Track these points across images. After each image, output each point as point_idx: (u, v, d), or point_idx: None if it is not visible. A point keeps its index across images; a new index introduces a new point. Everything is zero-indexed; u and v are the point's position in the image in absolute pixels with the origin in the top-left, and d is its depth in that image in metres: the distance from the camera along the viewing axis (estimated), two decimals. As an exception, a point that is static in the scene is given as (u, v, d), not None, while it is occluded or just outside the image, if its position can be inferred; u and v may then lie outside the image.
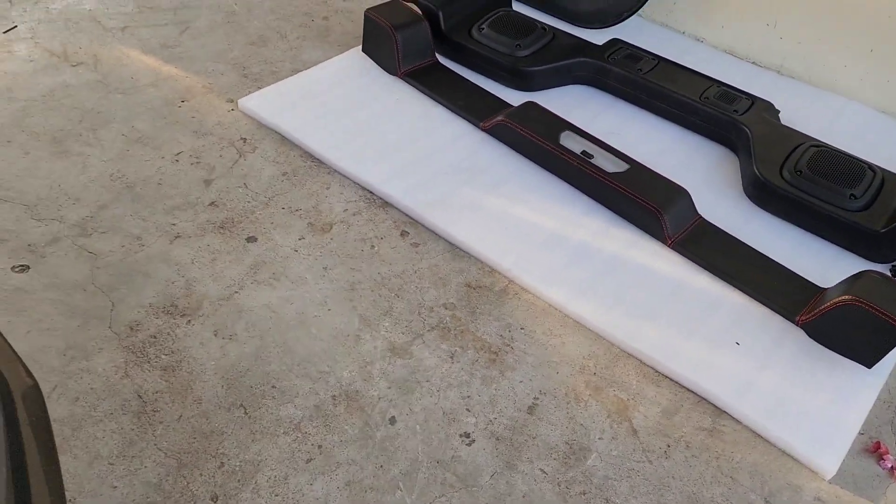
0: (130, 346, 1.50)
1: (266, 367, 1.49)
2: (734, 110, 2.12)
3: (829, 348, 1.63)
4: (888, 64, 2.27)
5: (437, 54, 2.32)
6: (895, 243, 1.80)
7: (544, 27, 2.35)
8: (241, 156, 1.97)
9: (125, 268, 1.65)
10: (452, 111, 2.15)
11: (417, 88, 2.21)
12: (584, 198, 1.93)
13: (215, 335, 1.53)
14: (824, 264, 1.82)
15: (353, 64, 2.30)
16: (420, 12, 2.30)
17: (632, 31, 2.52)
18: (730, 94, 2.17)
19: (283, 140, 2.03)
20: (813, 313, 1.64)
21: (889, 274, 1.80)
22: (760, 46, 2.49)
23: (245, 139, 2.02)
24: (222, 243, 1.73)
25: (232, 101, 2.14)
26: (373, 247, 1.77)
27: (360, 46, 2.34)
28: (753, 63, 2.52)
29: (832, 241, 1.88)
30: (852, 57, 2.32)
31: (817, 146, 2.00)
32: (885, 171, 1.95)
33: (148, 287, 1.61)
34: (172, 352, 1.50)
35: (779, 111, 2.18)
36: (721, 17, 2.52)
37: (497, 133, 2.07)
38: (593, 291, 1.70)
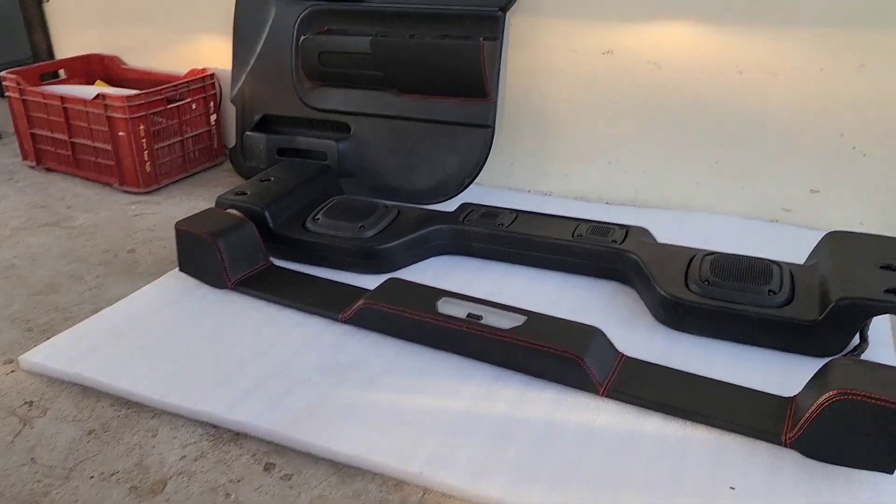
0: None
1: None
2: (612, 241, 1.93)
3: (835, 463, 1.30)
4: (734, 171, 2.23)
5: (271, 258, 1.99)
6: (836, 329, 1.58)
7: (386, 205, 2.12)
8: (25, 424, 1.44)
9: None
10: (303, 310, 1.78)
11: (255, 296, 1.84)
12: (486, 366, 1.57)
13: None
14: (774, 372, 1.55)
15: (172, 287, 1.90)
16: (242, 216, 1.99)
17: (477, 197, 2.35)
18: (601, 227, 2.00)
19: (86, 391, 1.54)
20: (799, 427, 1.32)
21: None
22: (609, 185, 2.40)
23: (31, 402, 1.51)
24: (-2, 550, 1.16)
25: (11, 362, 1.64)
26: (228, 495, 1.27)
27: (178, 268, 1.96)
28: (608, 203, 2.41)
29: (768, 346, 1.63)
30: (701, 173, 2.27)
31: (711, 254, 1.82)
32: (788, 264, 1.79)
33: None
34: None
35: (654, 237, 2.02)
36: (562, 168, 2.44)
37: (361, 320, 1.71)
38: (538, 474, 1.28)
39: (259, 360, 1.60)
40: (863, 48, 1.99)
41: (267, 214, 2.01)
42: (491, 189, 2.52)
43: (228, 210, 2.03)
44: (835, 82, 2.04)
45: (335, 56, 2.38)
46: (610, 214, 2.26)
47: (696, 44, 2.13)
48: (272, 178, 2.17)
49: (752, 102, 2.13)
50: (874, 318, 1.63)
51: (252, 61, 2.55)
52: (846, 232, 1.85)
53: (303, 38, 2.41)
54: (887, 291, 1.54)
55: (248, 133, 2.53)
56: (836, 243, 1.80)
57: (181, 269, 1.95)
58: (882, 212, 2.11)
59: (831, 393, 1.28)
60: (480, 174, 2.42)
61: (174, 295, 1.86)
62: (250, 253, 1.94)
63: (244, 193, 2.09)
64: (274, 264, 1.99)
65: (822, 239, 1.85)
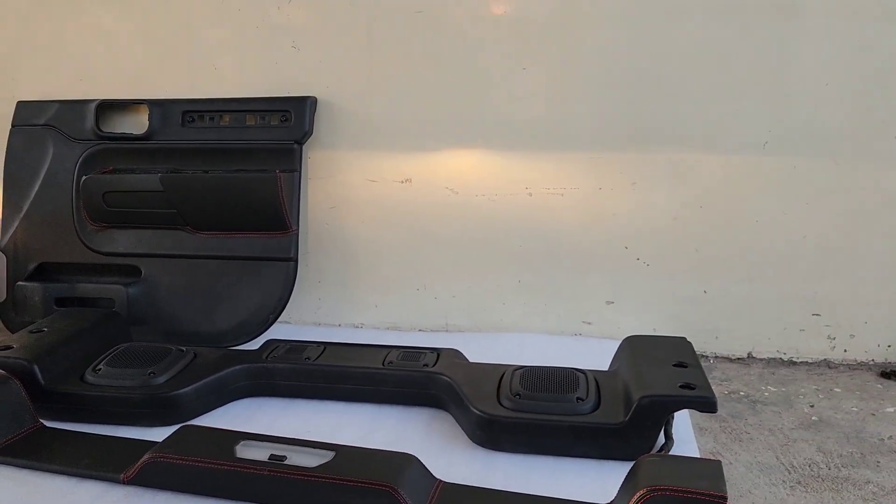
0: None
1: None
2: (424, 364, 1.88)
3: (659, 566, 1.26)
4: (537, 289, 2.31)
5: (41, 419, 1.73)
6: (642, 428, 1.60)
7: (181, 348, 1.94)
8: None
9: None
10: (77, 475, 1.53)
11: (17, 465, 1.57)
12: (293, 513, 1.41)
13: None
14: (592, 479, 1.53)
15: None
16: (3, 373, 1.73)
17: (285, 335, 2.22)
18: (412, 353, 1.95)
19: None
20: (618, 532, 1.28)
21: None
22: (419, 312, 2.39)
23: None
24: None
25: None
26: None
27: (-82, 443, 1.64)
28: (420, 330, 2.39)
29: (583, 454, 1.62)
30: (506, 293, 2.33)
31: (520, 368, 1.83)
32: (592, 371, 1.84)
33: None
34: None
35: (466, 357, 2.00)
36: (371, 298, 2.40)
37: (147, 478, 1.49)
38: None
39: (14, 542, 1.33)
40: (633, 168, 2.19)
41: (36, 369, 1.76)
42: (299, 326, 2.41)
43: (-13, 367, 1.76)
44: (613, 200, 2.21)
45: (122, 195, 2.24)
46: (423, 341, 2.22)
47: (487, 169, 2.25)
48: (45, 329, 1.93)
49: (544, 221, 2.25)
50: (675, 414, 1.69)
51: (26, 206, 2.34)
52: (641, 336, 1.94)
53: (84, 178, 2.25)
54: (682, 387, 1.61)
55: (20, 283, 2.28)
56: (633, 347, 1.87)
57: (-79, 444, 1.64)
58: (670, 316, 2.26)
59: (642, 491, 1.26)
60: (289, 312, 2.33)
61: None
62: (15, 415, 1.67)
63: (9, 347, 1.83)
64: (45, 426, 1.72)
65: (620, 344, 1.92)
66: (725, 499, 1.23)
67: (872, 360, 2.22)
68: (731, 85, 2.10)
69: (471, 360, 1.98)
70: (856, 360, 2.22)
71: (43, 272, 2.33)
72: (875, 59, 2.04)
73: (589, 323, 2.31)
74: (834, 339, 2.21)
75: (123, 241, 2.29)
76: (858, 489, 1.60)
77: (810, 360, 2.24)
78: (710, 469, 1.32)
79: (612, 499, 1.41)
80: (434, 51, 2.21)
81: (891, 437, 1.81)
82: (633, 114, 2.16)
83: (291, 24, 2.24)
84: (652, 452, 1.61)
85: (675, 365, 1.73)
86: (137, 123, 2.33)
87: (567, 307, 2.31)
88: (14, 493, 1.49)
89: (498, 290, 2.33)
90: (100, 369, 1.83)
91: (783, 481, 1.62)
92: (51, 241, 2.32)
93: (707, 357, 2.28)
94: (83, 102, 2.32)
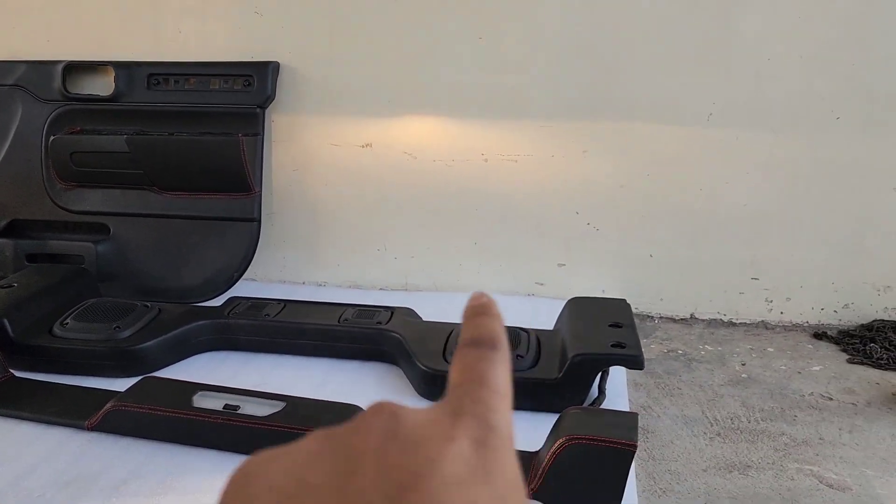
0: None
1: None
2: (377, 322, 1.99)
3: (573, 507, 1.39)
4: (492, 251, 2.41)
5: (12, 370, 1.83)
6: (574, 384, 1.72)
7: (146, 304, 2.03)
8: None
9: None
10: (44, 422, 1.64)
11: (-12, 413, 1.67)
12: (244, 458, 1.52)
13: None
14: (526, 430, 1.64)
15: None
16: (-24, 327, 1.82)
17: (250, 293, 2.32)
18: (367, 311, 2.05)
19: None
20: (538, 477, 1.40)
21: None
22: (380, 272, 2.48)
23: None
24: None
25: None
26: None
27: None
28: (381, 289, 2.49)
29: (520, 408, 1.70)
30: (462, 255, 2.43)
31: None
32: (536, 331, 1.95)
33: None
34: None
35: (419, 316, 2.11)
36: (334, 258, 2.50)
37: (109, 425, 1.60)
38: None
39: (-17, 482, 1.44)
40: (584, 136, 2.27)
41: (5, 322, 1.85)
42: (265, 284, 2.51)
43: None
44: (565, 166, 2.30)
45: (89, 156, 2.30)
46: (382, 300, 2.32)
47: (444, 135, 2.32)
48: (15, 284, 2.02)
49: (499, 186, 2.34)
50: (611, 370, 1.81)
51: (-4, 165, 2.40)
52: (583, 297, 2.05)
53: (52, 138, 2.31)
54: (613, 346, 1.72)
55: (-9, 239, 2.35)
56: (575, 308, 1.98)
57: None
58: (618, 279, 2.37)
59: (562, 440, 1.38)
60: (254, 270, 2.42)
61: None
62: (-15, 366, 1.77)
63: (-21, 302, 1.92)
64: (15, 376, 1.82)
65: (564, 306, 2.03)
66: (635, 447, 1.36)
67: (807, 321, 2.34)
68: (677, 58, 2.17)
69: (426, 319, 2.08)
70: (791, 322, 2.35)
71: (14, 229, 2.40)
72: (815, 35, 2.11)
73: (542, 284, 2.42)
74: (771, 301, 2.34)
75: (92, 199, 2.36)
76: (772, 440, 1.73)
77: (748, 322, 2.36)
78: (626, 420, 1.44)
79: (539, 448, 1.53)
80: (393, 19, 2.26)
81: (811, 394, 1.95)
82: (585, 85, 2.23)
83: (255, -10, 2.29)
84: (583, 406, 1.74)
85: (610, 325, 1.84)
86: (104, 85, 2.38)
87: (521, 269, 2.41)
88: (-16, 437, 1.59)
89: (455, 251, 2.43)
90: (67, 323, 1.92)
91: (704, 433, 1.76)
92: (21, 199, 2.38)
93: (652, 317, 2.39)
94: (50, 63, 2.36)
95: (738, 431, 1.77)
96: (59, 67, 2.35)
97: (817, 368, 2.10)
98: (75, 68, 2.38)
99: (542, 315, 2.23)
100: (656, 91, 2.21)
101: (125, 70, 2.33)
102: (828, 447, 1.70)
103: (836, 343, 2.23)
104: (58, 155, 2.33)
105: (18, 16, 2.43)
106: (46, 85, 2.36)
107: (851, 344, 2.19)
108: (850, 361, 2.12)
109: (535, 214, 2.35)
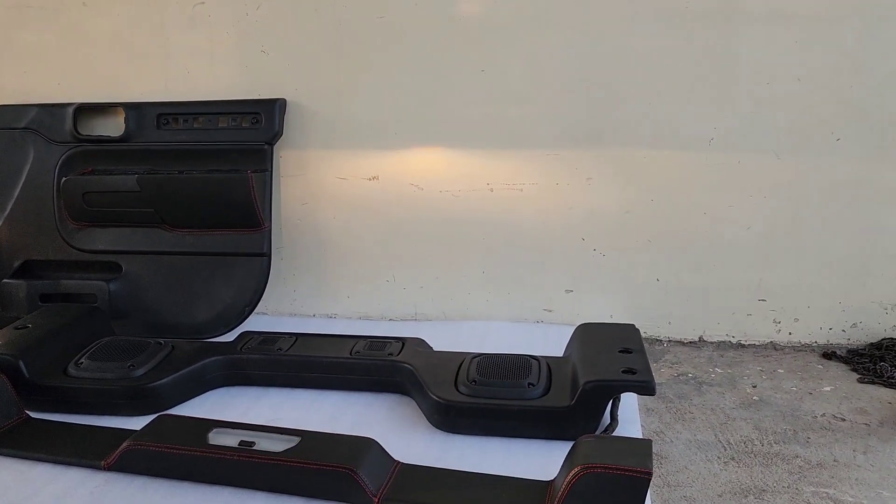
0: None
1: None
2: (388, 354, 2.00)
3: (591, 536, 1.39)
4: (500, 279, 2.43)
5: (27, 411, 1.84)
6: (587, 411, 1.73)
7: (159, 341, 2.06)
8: None
9: None
10: (61, 463, 1.65)
11: (5, 455, 1.68)
12: (260, 495, 1.53)
13: None
14: (540, 459, 1.65)
15: None
16: (-9, 368, 1.84)
17: (262, 326, 2.34)
18: (378, 342, 2.07)
19: None
20: (553, 506, 1.41)
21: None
22: (389, 302, 2.51)
23: None
24: None
25: None
26: None
27: (-88, 435, 1.75)
28: (391, 319, 2.51)
29: (532, 435, 1.75)
30: (471, 284, 2.45)
31: (478, 356, 1.95)
32: (546, 358, 1.96)
33: None
34: None
35: (430, 346, 2.12)
36: (343, 290, 2.52)
37: (126, 464, 1.61)
38: None
39: (3, 524, 1.45)
40: (588, 164, 2.30)
41: (21, 364, 1.87)
42: (276, 317, 2.53)
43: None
44: (570, 194, 2.32)
45: (101, 195, 2.34)
46: (392, 330, 2.35)
47: (450, 166, 2.36)
48: (29, 325, 2.04)
49: (505, 215, 2.36)
50: (622, 396, 1.81)
51: (10, 206, 2.43)
52: (592, 323, 2.07)
53: (64, 179, 2.35)
54: (624, 372, 1.73)
55: (5, 280, 2.38)
56: (584, 334, 1.99)
57: (-85, 436, 1.75)
58: (626, 303, 2.38)
59: (577, 469, 1.39)
60: (265, 303, 2.44)
61: None
62: (1, 407, 1.78)
63: (-5, 344, 1.94)
64: (31, 417, 1.84)
65: (574, 332, 2.04)
66: (650, 474, 1.36)
67: (815, 341, 2.35)
68: (678, 86, 2.21)
69: (436, 349, 2.10)
70: (800, 343, 2.35)
71: (27, 269, 2.43)
72: (813, 58, 2.15)
73: (550, 310, 2.43)
74: (779, 322, 2.34)
75: (104, 238, 2.39)
76: (787, 463, 1.73)
77: (757, 343, 2.37)
78: (640, 448, 1.44)
79: (554, 478, 1.54)
80: (397, 54, 2.31)
81: (823, 415, 1.95)
82: (588, 114, 2.27)
83: (260, 30, 2.34)
84: (596, 433, 1.74)
85: (620, 351, 1.85)
86: (114, 126, 2.42)
87: (529, 296, 2.43)
88: (2, 479, 1.60)
89: (463, 280, 2.45)
90: (82, 363, 1.94)
91: (718, 457, 1.76)
92: (34, 240, 2.42)
93: (661, 341, 2.40)
94: (61, 106, 2.41)
95: (752, 455, 1.77)
96: (70, 110, 2.40)
97: (828, 389, 2.10)
98: (86, 110, 2.43)
99: (552, 341, 2.24)
100: (658, 118, 2.24)
101: (135, 110, 2.38)
102: (843, 469, 1.70)
103: (846, 363, 2.23)
104: (70, 195, 2.36)
105: (29, 60, 2.49)
106: (58, 127, 2.41)
107: (861, 363, 2.19)
108: (860, 381, 2.12)
109: (542, 242, 2.38)
